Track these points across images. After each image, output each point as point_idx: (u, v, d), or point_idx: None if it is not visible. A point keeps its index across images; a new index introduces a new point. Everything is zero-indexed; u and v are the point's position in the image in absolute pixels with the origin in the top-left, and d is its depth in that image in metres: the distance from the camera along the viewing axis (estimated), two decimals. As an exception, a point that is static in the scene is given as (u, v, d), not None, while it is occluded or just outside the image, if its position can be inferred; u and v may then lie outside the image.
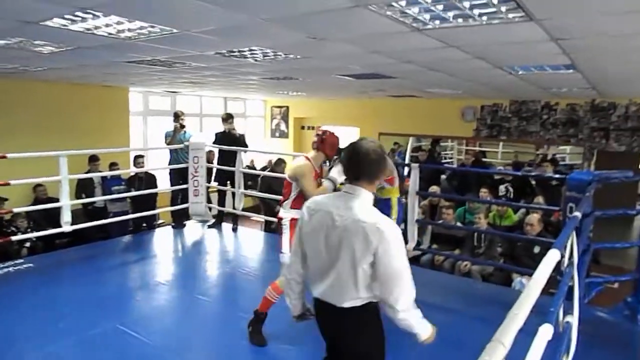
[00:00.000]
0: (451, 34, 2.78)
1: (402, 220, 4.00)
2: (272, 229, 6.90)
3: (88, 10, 2.48)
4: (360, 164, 1.84)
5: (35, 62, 4.68)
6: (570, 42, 2.97)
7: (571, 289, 2.40)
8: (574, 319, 2.26)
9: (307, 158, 3.21)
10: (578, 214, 2.52)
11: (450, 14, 2.36)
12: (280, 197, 3.41)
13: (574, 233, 2.37)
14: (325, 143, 3.23)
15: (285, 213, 3.17)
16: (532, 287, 1.40)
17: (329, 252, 1.85)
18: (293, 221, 3.09)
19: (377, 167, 1.86)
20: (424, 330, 1.93)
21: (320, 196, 2.03)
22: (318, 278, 1.92)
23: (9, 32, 3.12)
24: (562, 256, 2.28)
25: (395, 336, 2.57)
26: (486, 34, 2.77)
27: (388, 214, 3.39)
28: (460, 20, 2.47)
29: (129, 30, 2.97)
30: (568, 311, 2.28)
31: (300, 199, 3.05)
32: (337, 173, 3.13)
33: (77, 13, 2.55)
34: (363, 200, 1.84)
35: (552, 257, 1.66)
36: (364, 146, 1.84)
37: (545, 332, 1.40)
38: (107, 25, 2.84)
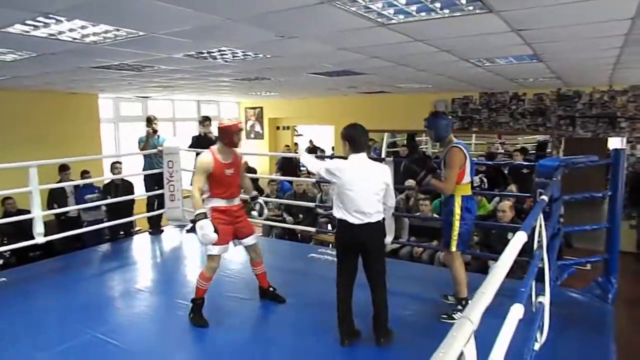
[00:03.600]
0: (415, 27, 2.84)
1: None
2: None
3: (51, 15, 2.45)
4: None
5: (-2, 71, 4.57)
6: (530, 33, 3.06)
7: (542, 271, 2.48)
8: (546, 300, 2.34)
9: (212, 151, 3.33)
10: (545, 197, 2.61)
11: (413, 7, 2.41)
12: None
13: (542, 216, 2.44)
14: (219, 133, 3.34)
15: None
16: (499, 267, 1.44)
17: None
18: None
19: None
20: None
21: None
22: None
23: (-32, 41, 3.05)
24: (532, 239, 2.36)
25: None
26: (449, 27, 2.83)
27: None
28: (423, 14, 2.52)
29: (94, 34, 2.93)
30: (540, 292, 2.35)
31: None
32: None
33: (39, 18, 2.51)
34: None
35: (519, 239, 1.71)
36: None
37: (516, 311, 1.45)
38: (70, 30, 2.80)
